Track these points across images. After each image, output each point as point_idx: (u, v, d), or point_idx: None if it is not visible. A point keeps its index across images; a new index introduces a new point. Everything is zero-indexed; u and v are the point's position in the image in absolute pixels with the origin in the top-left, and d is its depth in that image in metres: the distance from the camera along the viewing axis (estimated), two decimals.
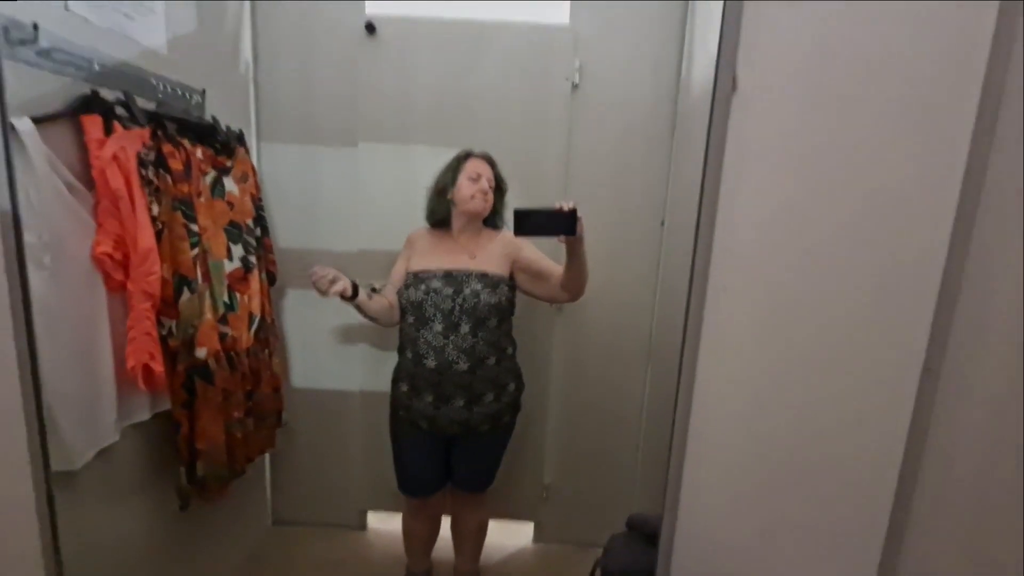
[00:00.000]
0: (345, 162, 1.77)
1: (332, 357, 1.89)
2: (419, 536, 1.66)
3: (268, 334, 1.63)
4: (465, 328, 1.37)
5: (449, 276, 1.41)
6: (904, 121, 0.75)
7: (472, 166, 1.45)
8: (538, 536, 2.01)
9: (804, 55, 0.73)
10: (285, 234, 1.81)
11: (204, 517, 1.50)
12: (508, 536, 2.01)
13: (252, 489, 1.85)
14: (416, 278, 1.43)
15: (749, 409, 0.83)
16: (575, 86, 1.70)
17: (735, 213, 0.77)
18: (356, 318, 1.58)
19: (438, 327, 1.37)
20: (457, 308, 1.37)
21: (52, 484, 0.86)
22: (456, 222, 1.49)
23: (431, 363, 1.37)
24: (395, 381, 1.50)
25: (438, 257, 1.46)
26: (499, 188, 1.52)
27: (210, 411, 1.33)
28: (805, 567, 0.87)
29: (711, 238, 0.77)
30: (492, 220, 1.53)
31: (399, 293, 1.47)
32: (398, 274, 1.53)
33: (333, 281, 1.35)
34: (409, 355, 1.42)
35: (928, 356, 0.80)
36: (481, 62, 1.69)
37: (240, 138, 1.57)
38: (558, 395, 1.89)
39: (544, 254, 1.50)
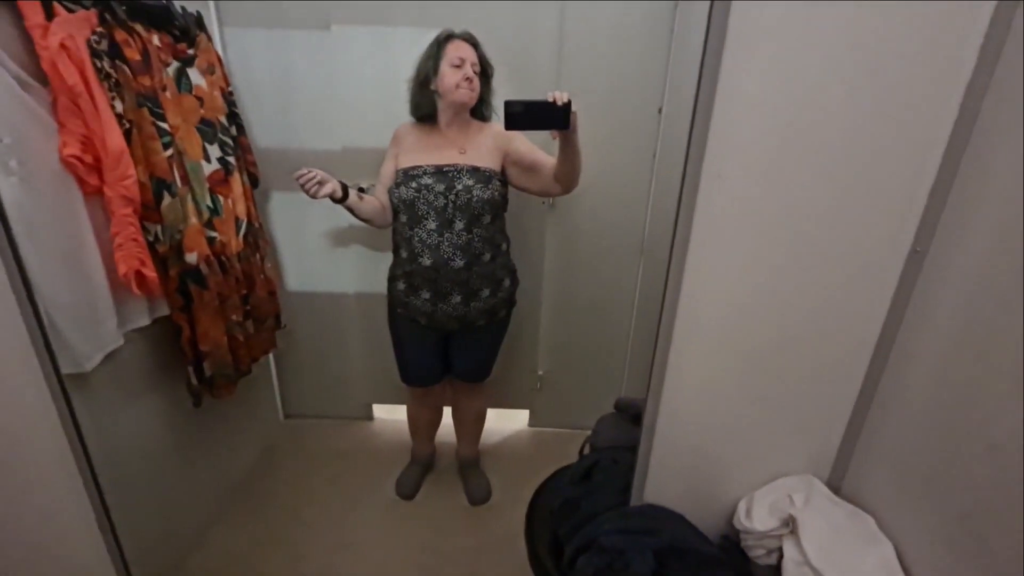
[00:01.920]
0: (318, 49, 1.63)
1: (324, 260, 1.89)
2: (423, 422, 1.78)
3: (257, 238, 1.61)
4: (459, 225, 1.35)
5: (440, 172, 1.36)
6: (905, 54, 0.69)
7: (453, 50, 1.33)
8: (533, 422, 2.16)
9: None
10: (262, 132, 1.72)
11: (218, 413, 1.59)
12: (505, 422, 2.17)
13: (261, 387, 1.95)
14: (406, 175, 1.38)
15: (736, 294, 0.85)
16: None
17: (734, 97, 0.73)
18: (346, 219, 1.56)
19: (431, 224, 1.35)
20: (450, 205, 1.34)
21: (65, 385, 0.90)
22: (443, 115, 1.41)
23: (426, 261, 1.36)
24: (391, 279, 1.51)
25: (427, 153, 1.40)
26: (484, 73, 1.40)
27: (208, 314, 1.35)
28: (772, 441, 0.95)
29: (708, 123, 0.74)
30: (480, 110, 1.44)
31: (389, 192, 1.42)
32: (387, 173, 1.47)
33: (321, 183, 1.30)
34: (404, 254, 1.41)
35: (916, 239, 0.81)
36: None
37: (199, 22, 1.42)
38: (551, 289, 1.92)
39: (534, 145, 1.43)
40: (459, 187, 1.34)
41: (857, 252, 0.81)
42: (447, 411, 1.86)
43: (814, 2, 0.69)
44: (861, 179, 0.77)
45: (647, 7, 1.56)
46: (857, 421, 0.91)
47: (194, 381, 1.37)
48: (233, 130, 1.54)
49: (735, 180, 0.78)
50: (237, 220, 1.50)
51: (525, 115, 1.11)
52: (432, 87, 1.37)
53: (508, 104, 1.08)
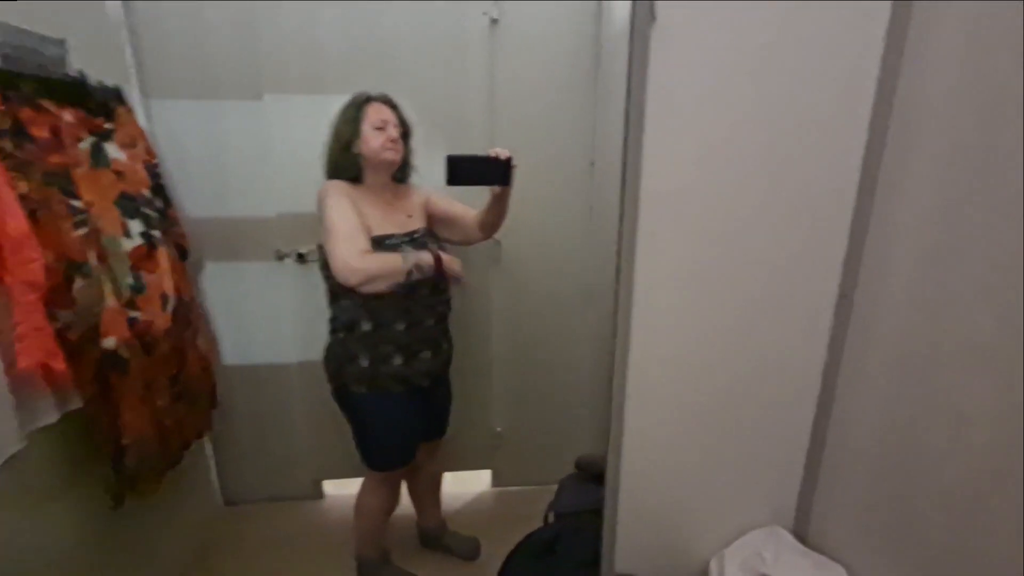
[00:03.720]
0: (251, 117, 1.60)
1: (263, 330, 1.79)
2: (385, 511, 1.58)
3: (188, 312, 1.51)
4: (442, 284, 1.37)
5: (413, 240, 1.34)
6: (815, 57, 0.74)
7: (374, 112, 1.31)
8: (496, 481, 2.07)
9: None
10: (193, 203, 1.64)
11: (146, 510, 1.42)
12: (466, 485, 2.06)
13: (196, 473, 1.78)
14: (384, 245, 1.27)
15: (682, 351, 0.85)
16: (494, 21, 1.59)
17: (660, 157, 0.75)
18: (285, 286, 1.48)
19: (425, 290, 1.33)
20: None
21: None
22: (373, 178, 1.36)
23: (400, 326, 1.33)
24: (349, 359, 1.35)
25: (385, 219, 1.34)
26: (404, 134, 1.37)
27: (131, 402, 1.23)
28: (734, 495, 0.94)
29: (638, 186, 0.75)
30: (403, 172, 1.42)
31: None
32: (357, 225, 1.25)
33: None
34: (401, 326, 1.33)
35: (841, 287, 0.84)
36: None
37: (118, 96, 1.37)
38: (502, 343, 1.89)
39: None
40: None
41: (790, 303, 0.83)
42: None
43: (727, 78, 0.73)
44: (785, 232, 0.80)
45: (576, 68, 1.64)
46: (813, 467, 0.91)
47: (113, 478, 1.22)
48: (159, 203, 1.46)
49: (669, 239, 0.79)
50: (164, 296, 1.40)
51: (467, 170, 1.12)
52: (355, 150, 1.33)
53: (451, 160, 1.08)
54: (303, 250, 1.69)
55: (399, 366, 1.35)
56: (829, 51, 0.74)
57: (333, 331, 1.39)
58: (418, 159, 1.44)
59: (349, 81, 1.56)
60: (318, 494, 2.02)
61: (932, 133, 0.71)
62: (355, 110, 1.32)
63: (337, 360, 1.37)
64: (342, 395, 1.41)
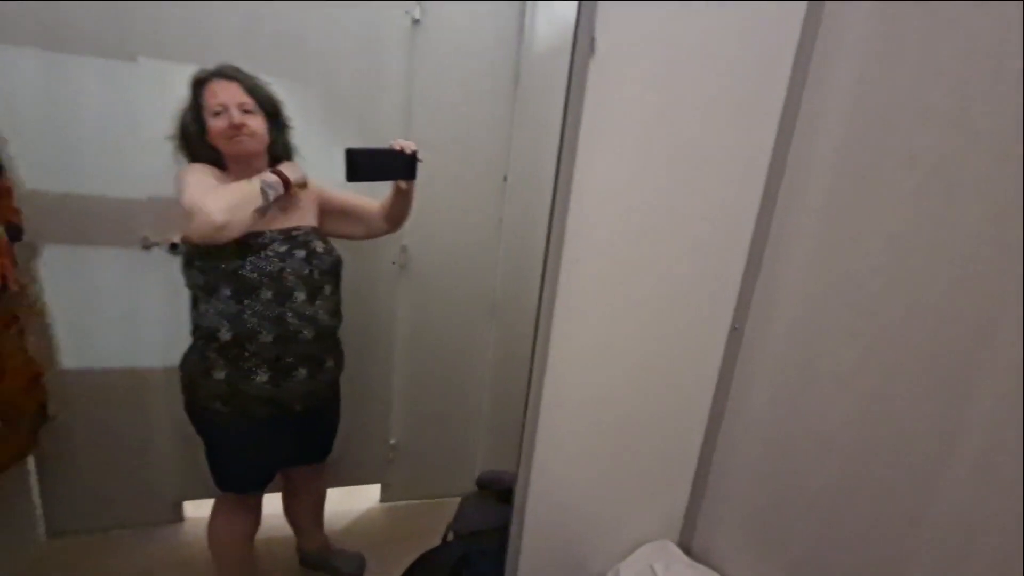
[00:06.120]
0: (120, 80, 1.36)
1: (117, 330, 1.53)
2: (245, 536, 1.39)
3: (14, 306, 1.24)
4: (328, 289, 1.22)
5: (290, 237, 1.17)
6: (727, 102, 0.81)
7: (211, 96, 1.10)
8: (385, 496, 1.98)
9: (662, 21, 0.73)
10: (32, 173, 1.36)
11: None
12: (352, 501, 1.94)
13: (12, 502, 1.46)
14: (247, 245, 1.11)
15: (592, 372, 0.88)
16: (416, 21, 1.54)
17: (589, 184, 0.77)
18: (139, 276, 1.27)
19: (302, 295, 1.16)
20: (315, 272, 1.18)
21: None
22: (235, 169, 1.16)
23: (266, 337, 1.14)
24: (204, 372, 1.17)
25: None
26: (271, 114, 1.18)
27: None
28: (630, 510, 0.99)
29: (565, 211, 0.77)
30: (276, 157, 1.22)
31: (213, 260, 1.13)
32: (213, 184, 1.11)
33: None
34: (226, 336, 1.13)
35: (734, 320, 0.92)
36: None
37: None
38: (402, 354, 1.82)
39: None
40: (320, 250, 1.20)
41: (689, 332, 0.90)
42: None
43: (660, 87, 0.77)
44: (686, 269, 0.87)
45: (495, 82, 1.64)
46: (700, 484, 0.99)
47: None
48: None
49: (590, 265, 0.81)
50: None
51: (369, 165, 1.06)
52: (207, 140, 1.14)
53: (351, 153, 1.01)
54: (176, 239, 1.48)
55: (263, 384, 1.16)
56: (736, 94, 0.82)
57: (193, 338, 1.21)
58: (325, 156, 1.31)
59: (244, 58, 1.40)
60: (178, 517, 1.77)
61: (812, 204, 0.83)
62: (192, 94, 1.13)
63: (190, 370, 1.19)
64: (192, 410, 1.22)
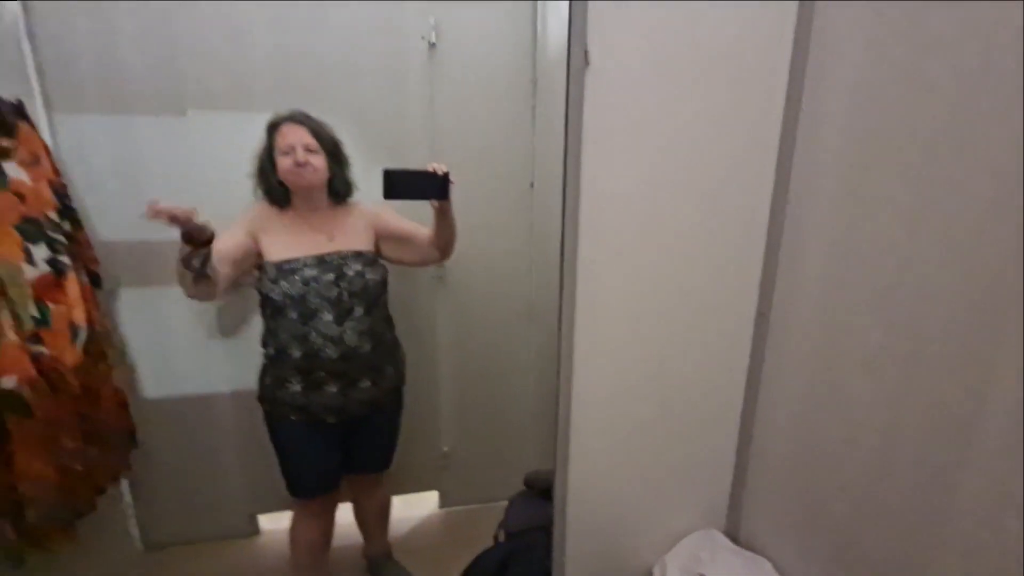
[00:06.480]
0: (172, 134, 1.51)
1: (189, 359, 1.67)
2: (321, 541, 1.52)
3: (102, 345, 1.39)
4: (359, 311, 1.31)
5: (323, 262, 1.29)
6: (729, 99, 0.82)
7: (281, 138, 1.27)
8: (444, 502, 2.04)
9: (651, 29, 0.75)
10: (105, 225, 1.52)
11: (50, 566, 1.29)
12: (412, 508, 2.02)
13: (110, 519, 1.62)
14: (281, 270, 1.27)
15: (620, 367, 0.90)
16: (432, 44, 1.61)
17: (597, 189, 0.80)
18: (204, 312, 1.40)
19: (328, 316, 1.27)
20: (344, 293, 1.29)
21: None
22: (300, 202, 1.33)
23: (332, 353, 1.28)
24: (277, 384, 1.33)
25: (296, 243, 1.30)
26: (332, 153, 1.32)
27: (30, 447, 1.12)
28: (672, 502, 0.99)
29: (577, 215, 0.80)
30: (335, 189, 1.36)
31: (260, 286, 1.31)
32: (229, 245, 1.24)
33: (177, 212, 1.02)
34: (296, 352, 1.28)
35: (759, 307, 0.92)
36: (329, 20, 1.52)
37: (19, 110, 1.26)
38: (447, 364, 1.88)
39: (401, 216, 1.44)
40: (351, 273, 1.30)
41: (716, 322, 0.91)
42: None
43: (654, 95, 0.79)
44: (708, 259, 0.88)
45: (514, 90, 1.69)
46: (740, 472, 0.99)
47: (11, 535, 1.10)
48: (67, 226, 1.34)
49: (606, 264, 0.83)
50: (73, 327, 1.29)
51: (404, 184, 1.12)
52: (277, 178, 1.30)
53: (388, 173, 1.08)
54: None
55: (296, 394, 1.31)
56: (738, 90, 0.82)
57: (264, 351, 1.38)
58: (361, 178, 1.42)
59: (280, 98, 1.51)
60: (254, 530, 1.90)
61: (824, 189, 0.81)
62: (267, 138, 1.30)
63: (274, 383, 1.35)
64: (271, 419, 1.40)
